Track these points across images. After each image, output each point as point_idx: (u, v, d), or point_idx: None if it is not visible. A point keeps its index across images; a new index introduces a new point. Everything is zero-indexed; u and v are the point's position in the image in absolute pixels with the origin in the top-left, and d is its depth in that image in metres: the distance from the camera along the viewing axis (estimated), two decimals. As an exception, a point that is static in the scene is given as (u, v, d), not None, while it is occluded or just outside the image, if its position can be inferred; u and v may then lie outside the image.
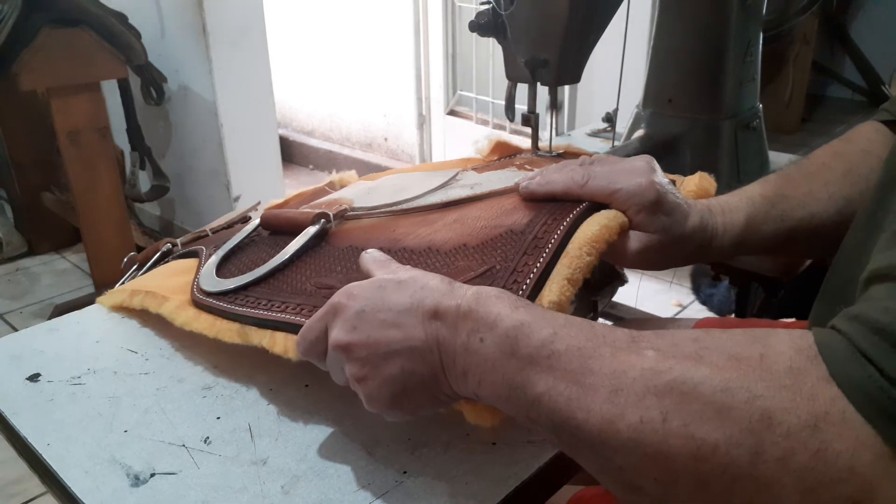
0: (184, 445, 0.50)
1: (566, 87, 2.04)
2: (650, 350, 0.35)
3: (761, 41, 0.93)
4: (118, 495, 0.46)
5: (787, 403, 0.30)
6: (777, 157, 1.06)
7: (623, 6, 0.81)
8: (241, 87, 2.12)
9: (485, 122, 2.46)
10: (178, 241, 0.74)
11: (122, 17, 1.99)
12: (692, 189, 0.63)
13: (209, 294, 0.59)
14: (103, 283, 2.10)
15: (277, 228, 0.65)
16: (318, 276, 0.56)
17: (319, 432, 0.52)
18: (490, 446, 0.50)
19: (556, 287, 0.47)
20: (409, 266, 0.48)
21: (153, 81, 2.14)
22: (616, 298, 1.27)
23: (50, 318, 0.74)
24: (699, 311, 1.93)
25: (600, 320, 1.37)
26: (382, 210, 0.64)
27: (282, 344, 0.51)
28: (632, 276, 1.07)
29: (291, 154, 3.41)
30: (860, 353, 0.30)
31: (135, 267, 0.76)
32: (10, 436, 0.54)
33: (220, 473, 0.48)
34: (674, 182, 0.59)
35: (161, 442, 0.51)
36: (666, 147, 0.90)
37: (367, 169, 3.12)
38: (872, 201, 0.47)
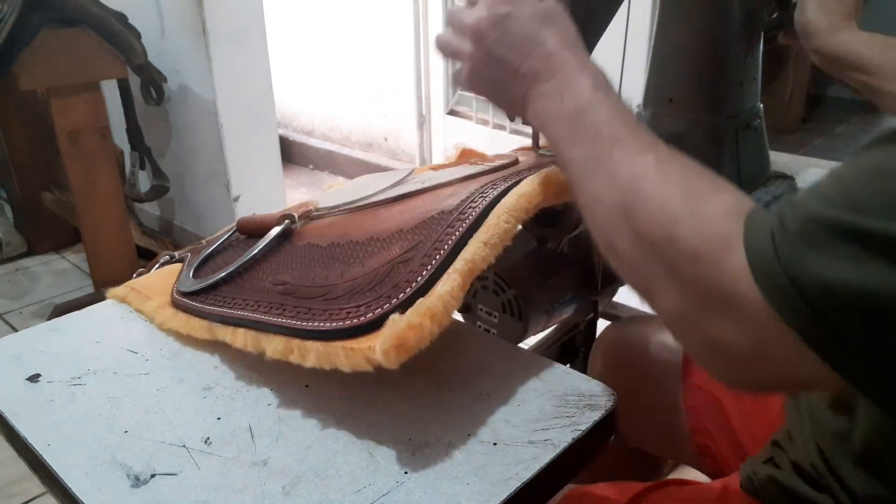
0: (184, 446, 0.50)
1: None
2: (649, 153, 0.44)
3: (762, 41, 0.93)
4: (119, 496, 0.46)
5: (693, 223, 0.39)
6: (778, 157, 1.06)
7: (623, 6, 0.81)
8: (241, 87, 2.11)
9: (485, 122, 2.46)
10: (176, 253, 0.77)
11: (121, 17, 1.99)
12: None
13: (184, 294, 0.63)
14: (103, 282, 2.10)
15: (250, 232, 0.70)
16: (277, 274, 0.60)
17: (320, 433, 0.52)
18: (491, 447, 0.50)
19: (472, 248, 0.52)
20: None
21: (153, 81, 2.14)
22: (616, 298, 1.27)
23: (50, 319, 0.74)
24: (700, 311, 1.93)
25: (599, 321, 1.37)
26: (341, 209, 0.69)
27: (242, 339, 0.56)
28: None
29: (291, 154, 3.41)
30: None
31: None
32: (11, 436, 0.54)
33: (220, 474, 0.48)
34: None
35: (161, 442, 0.51)
36: (666, 147, 0.90)
37: (367, 169, 3.12)
38: None
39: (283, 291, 0.56)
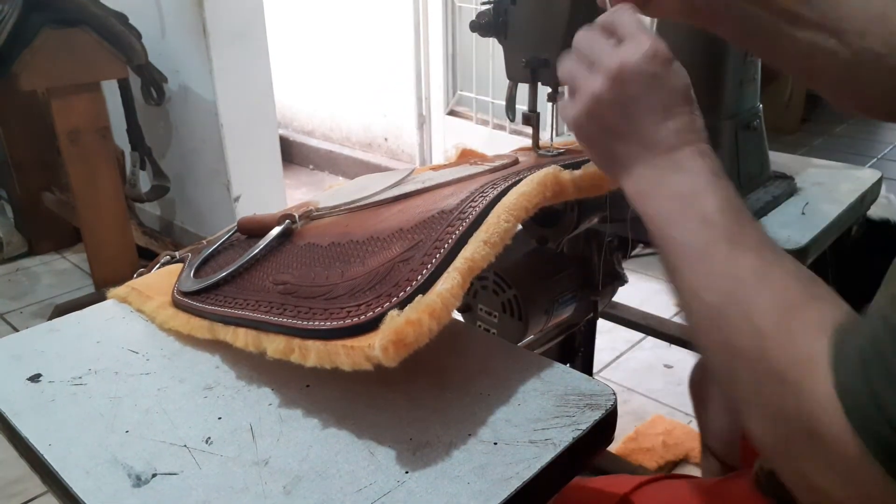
0: (185, 446, 0.50)
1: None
2: (751, 253, 0.42)
3: (762, 41, 0.93)
4: (120, 496, 0.46)
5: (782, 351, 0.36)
6: (777, 157, 1.06)
7: (624, 6, 0.81)
8: (242, 88, 2.12)
9: (485, 122, 2.46)
10: (177, 253, 0.77)
11: (122, 18, 1.99)
12: None
13: (185, 294, 0.63)
14: (103, 282, 2.10)
15: (251, 232, 0.70)
16: (277, 273, 0.60)
17: (321, 432, 0.52)
18: (492, 446, 0.50)
19: (472, 247, 0.52)
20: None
21: (153, 81, 2.14)
22: (616, 298, 1.27)
23: (50, 319, 0.75)
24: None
25: (600, 321, 1.37)
26: (341, 209, 0.69)
27: (243, 339, 0.56)
28: (632, 276, 1.08)
29: (292, 154, 3.41)
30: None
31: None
32: (12, 436, 0.54)
33: (221, 474, 0.48)
34: None
35: (162, 442, 0.51)
36: (667, 147, 0.90)
37: (367, 169, 3.12)
38: None
39: (283, 291, 0.56)
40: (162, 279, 0.71)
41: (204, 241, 0.79)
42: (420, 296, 0.49)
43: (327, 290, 0.54)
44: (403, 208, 0.63)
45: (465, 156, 0.83)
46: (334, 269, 0.56)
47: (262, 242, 0.65)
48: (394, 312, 0.48)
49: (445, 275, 0.50)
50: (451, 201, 0.58)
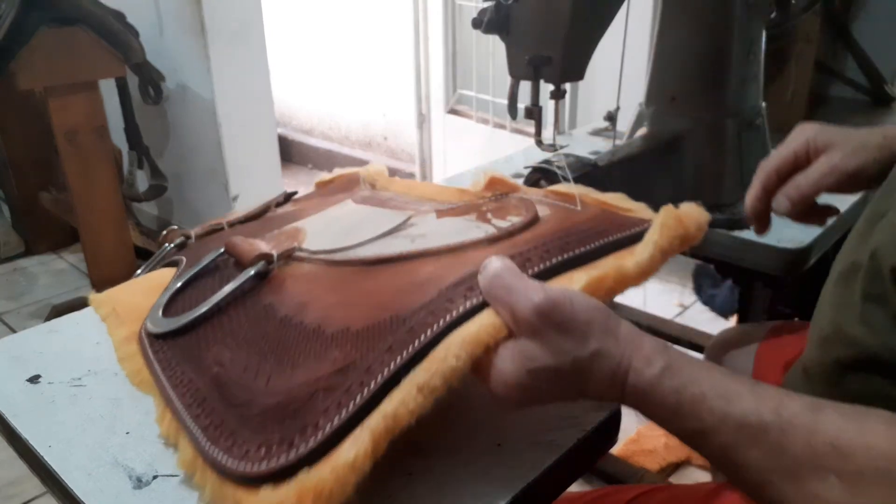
0: (186, 447, 0.50)
1: (568, 85, 2.04)
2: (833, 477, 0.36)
3: (764, 40, 0.93)
4: (121, 497, 0.46)
5: None
6: (780, 156, 1.05)
7: (624, 4, 0.81)
8: (240, 86, 2.11)
9: (485, 121, 2.46)
10: (193, 232, 0.73)
11: (119, 16, 1.98)
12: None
13: (148, 334, 0.58)
14: (101, 282, 2.09)
15: (234, 256, 0.62)
16: (222, 342, 0.53)
17: (323, 434, 0.51)
18: (495, 447, 0.49)
19: (401, 394, 0.41)
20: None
21: (151, 80, 2.13)
22: (618, 299, 1.27)
23: (47, 319, 0.74)
24: (702, 312, 1.93)
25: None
26: (321, 257, 0.60)
27: (166, 427, 0.49)
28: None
29: (290, 153, 3.41)
30: None
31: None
32: (11, 437, 0.54)
33: (223, 475, 0.47)
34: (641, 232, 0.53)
35: (163, 444, 0.50)
36: (669, 145, 0.90)
37: (365, 168, 3.12)
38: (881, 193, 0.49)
39: (213, 378, 0.50)
40: (146, 295, 0.64)
41: (222, 222, 0.74)
42: (306, 473, 0.40)
43: (247, 400, 0.47)
44: (370, 290, 0.53)
45: (493, 185, 0.70)
46: (265, 366, 0.49)
47: (230, 286, 0.57)
48: (268, 490, 0.40)
49: (354, 436, 0.40)
50: (411, 301, 0.48)
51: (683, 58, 0.91)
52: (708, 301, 1.97)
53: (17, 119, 2.26)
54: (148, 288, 0.66)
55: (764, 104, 0.96)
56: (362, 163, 3.24)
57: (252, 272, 0.58)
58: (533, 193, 0.66)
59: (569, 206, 0.60)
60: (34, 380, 0.58)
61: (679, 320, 1.78)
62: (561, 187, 0.64)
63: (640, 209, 0.58)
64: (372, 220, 0.67)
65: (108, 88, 2.06)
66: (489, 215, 0.60)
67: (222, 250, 0.64)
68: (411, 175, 2.82)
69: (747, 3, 0.86)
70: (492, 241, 0.54)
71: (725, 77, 0.89)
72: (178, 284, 0.63)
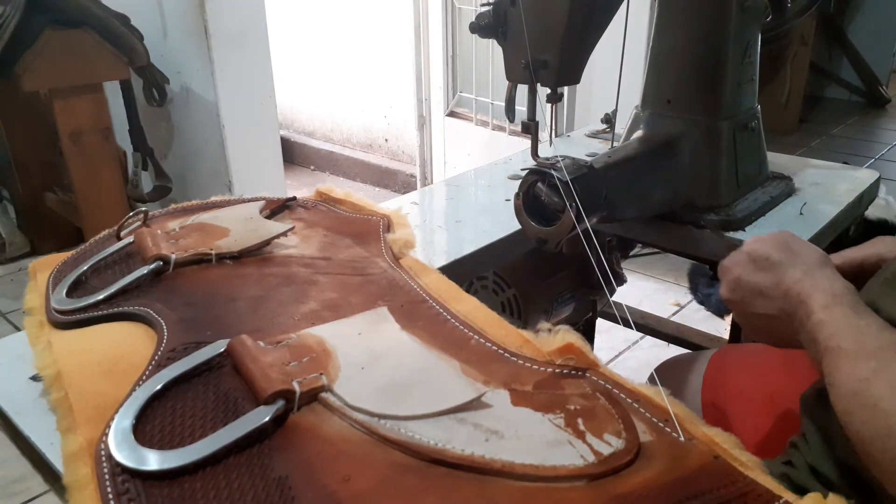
0: (186, 443, 0.50)
1: (565, 88, 2.04)
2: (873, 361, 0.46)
3: (760, 42, 0.93)
4: (121, 493, 0.46)
5: None
6: (775, 158, 1.06)
7: (622, 7, 0.81)
8: (243, 89, 2.12)
9: (485, 124, 2.47)
10: (151, 213, 0.73)
11: (124, 19, 1.99)
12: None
13: (115, 463, 0.44)
14: (105, 283, 2.10)
15: (242, 378, 0.50)
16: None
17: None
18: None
19: None
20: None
21: (155, 83, 2.15)
22: (616, 298, 1.28)
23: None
24: (697, 311, 1.94)
25: (598, 320, 1.37)
26: (361, 419, 0.47)
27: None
28: (631, 276, 1.08)
29: (293, 155, 3.42)
30: None
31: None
32: (14, 435, 0.55)
33: (221, 471, 0.47)
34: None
35: (163, 440, 0.51)
36: (665, 148, 0.91)
37: (367, 169, 3.13)
38: None
39: None
40: (109, 377, 0.55)
41: (176, 206, 0.73)
42: None
43: None
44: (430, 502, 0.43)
45: (567, 352, 0.56)
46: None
47: (234, 433, 0.45)
48: None
49: None
50: None
51: (679, 60, 0.91)
52: (703, 300, 1.97)
53: (23, 120, 2.27)
54: (110, 363, 0.54)
55: (759, 106, 0.96)
56: (364, 164, 3.24)
57: (267, 418, 0.45)
58: (617, 381, 0.53)
59: (670, 432, 0.49)
60: (37, 378, 0.59)
61: (675, 319, 1.79)
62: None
63: (765, 478, 0.45)
64: (431, 377, 0.52)
65: (112, 91, 2.07)
66: (580, 423, 0.49)
67: (222, 349, 0.53)
68: (412, 176, 2.83)
69: (743, 7, 0.87)
70: (592, 478, 0.44)
71: (721, 80, 0.89)
72: (159, 387, 0.49)
